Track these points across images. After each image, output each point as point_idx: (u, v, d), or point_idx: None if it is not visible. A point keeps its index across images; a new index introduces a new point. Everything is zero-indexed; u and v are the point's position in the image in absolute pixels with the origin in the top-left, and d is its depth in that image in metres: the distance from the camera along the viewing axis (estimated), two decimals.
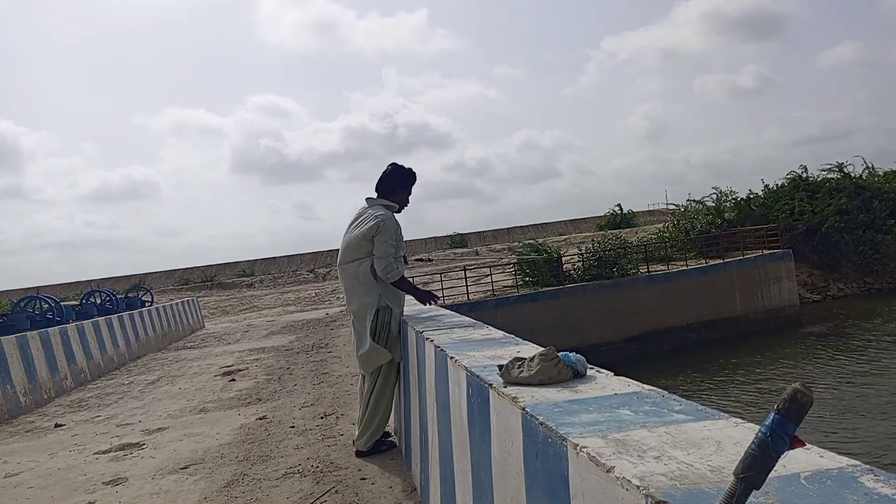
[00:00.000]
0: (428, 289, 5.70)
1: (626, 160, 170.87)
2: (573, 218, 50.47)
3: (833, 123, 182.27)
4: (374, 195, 4.38)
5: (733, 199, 25.73)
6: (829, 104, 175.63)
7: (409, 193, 4.44)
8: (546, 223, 49.52)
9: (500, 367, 1.94)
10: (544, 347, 2.02)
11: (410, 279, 4.58)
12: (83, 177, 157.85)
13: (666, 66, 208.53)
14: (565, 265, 18.64)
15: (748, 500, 0.90)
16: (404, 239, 4.41)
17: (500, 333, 2.99)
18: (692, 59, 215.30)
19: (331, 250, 46.57)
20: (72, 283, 46.61)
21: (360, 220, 4.25)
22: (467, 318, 3.77)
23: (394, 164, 4.40)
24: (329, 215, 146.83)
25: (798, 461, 1.06)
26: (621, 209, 39.34)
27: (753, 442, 0.90)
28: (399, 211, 4.38)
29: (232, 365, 10.25)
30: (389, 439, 4.58)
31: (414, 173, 4.43)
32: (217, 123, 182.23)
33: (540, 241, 24.52)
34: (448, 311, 4.45)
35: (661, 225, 27.10)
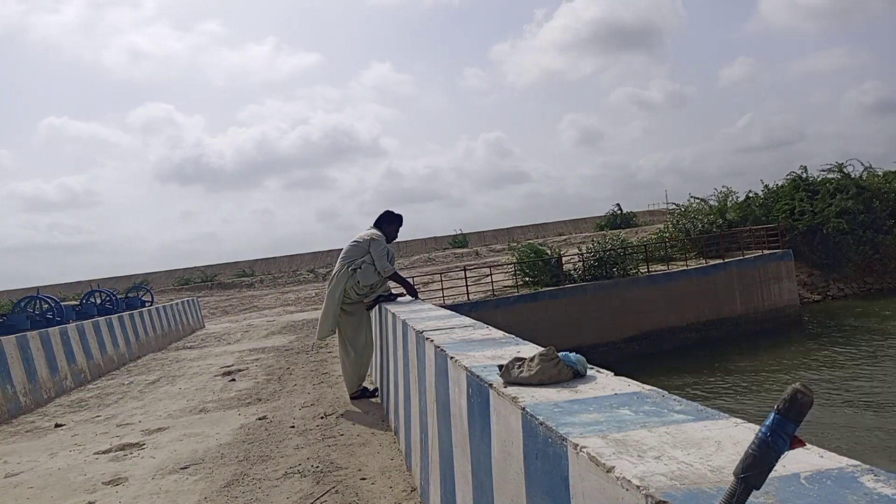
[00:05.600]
0: (428, 288, 7.21)
1: (584, 167, 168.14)
2: (573, 218, 50.44)
3: (774, 131, 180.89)
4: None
5: (735, 198, 25.76)
6: (755, 113, 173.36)
7: (395, 230, 6.27)
8: (546, 223, 49.45)
9: (500, 367, 1.94)
10: (544, 347, 2.02)
11: (410, 279, 5.55)
12: (18, 186, 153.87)
13: (553, 82, 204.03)
14: (565, 265, 18.63)
15: (748, 500, 0.90)
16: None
17: (500, 333, 2.99)
18: (581, 74, 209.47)
19: (330, 250, 46.65)
20: (72, 283, 46.51)
21: (358, 236, 6.09)
22: (467, 318, 3.77)
23: (386, 210, 6.32)
24: (289, 219, 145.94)
25: (798, 461, 1.06)
26: (621, 209, 39.31)
27: (753, 442, 0.90)
28: (389, 241, 6.13)
29: (232, 365, 10.25)
30: (371, 391, 6.31)
31: (399, 216, 6.32)
32: (114, 135, 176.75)
33: (540, 241, 24.50)
34: (447, 311, 4.45)
35: (662, 225, 27.08)
